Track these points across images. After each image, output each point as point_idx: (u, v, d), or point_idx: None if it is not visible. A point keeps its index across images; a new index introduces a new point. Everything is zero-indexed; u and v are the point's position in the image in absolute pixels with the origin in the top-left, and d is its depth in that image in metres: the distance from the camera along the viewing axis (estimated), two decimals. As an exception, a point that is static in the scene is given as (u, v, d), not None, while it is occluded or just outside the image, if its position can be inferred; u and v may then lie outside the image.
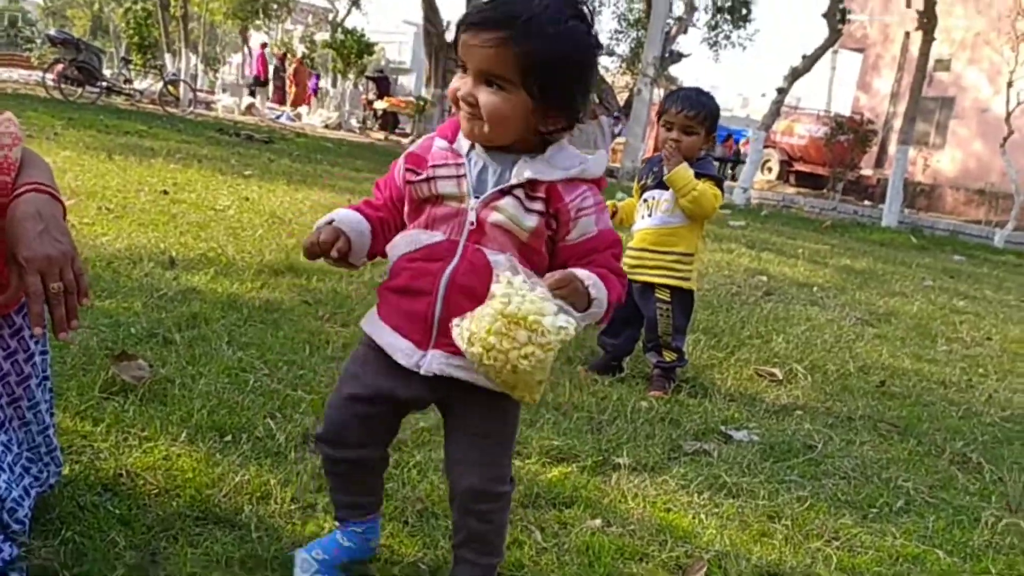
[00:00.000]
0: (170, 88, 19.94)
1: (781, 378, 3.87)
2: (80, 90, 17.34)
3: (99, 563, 1.71)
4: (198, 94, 22.17)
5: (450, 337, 1.49)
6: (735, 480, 2.58)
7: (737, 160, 29.01)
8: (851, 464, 2.89)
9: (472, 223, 1.55)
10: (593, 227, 1.56)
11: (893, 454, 3.07)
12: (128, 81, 20.57)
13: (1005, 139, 14.83)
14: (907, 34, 24.93)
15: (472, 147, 1.58)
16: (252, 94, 25.76)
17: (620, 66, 27.92)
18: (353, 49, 21.96)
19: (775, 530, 2.31)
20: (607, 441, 2.75)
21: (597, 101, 24.80)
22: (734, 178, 26.16)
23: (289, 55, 27.10)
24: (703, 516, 2.33)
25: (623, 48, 26.81)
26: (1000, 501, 2.76)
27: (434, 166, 1.58)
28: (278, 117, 23.42)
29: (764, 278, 6.75)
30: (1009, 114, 14.78)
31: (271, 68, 27.12)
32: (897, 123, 23.66)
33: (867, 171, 24.77)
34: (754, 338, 4.53)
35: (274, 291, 3.98)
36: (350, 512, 1.78)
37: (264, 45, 28.19)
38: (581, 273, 1.50)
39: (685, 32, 23.56)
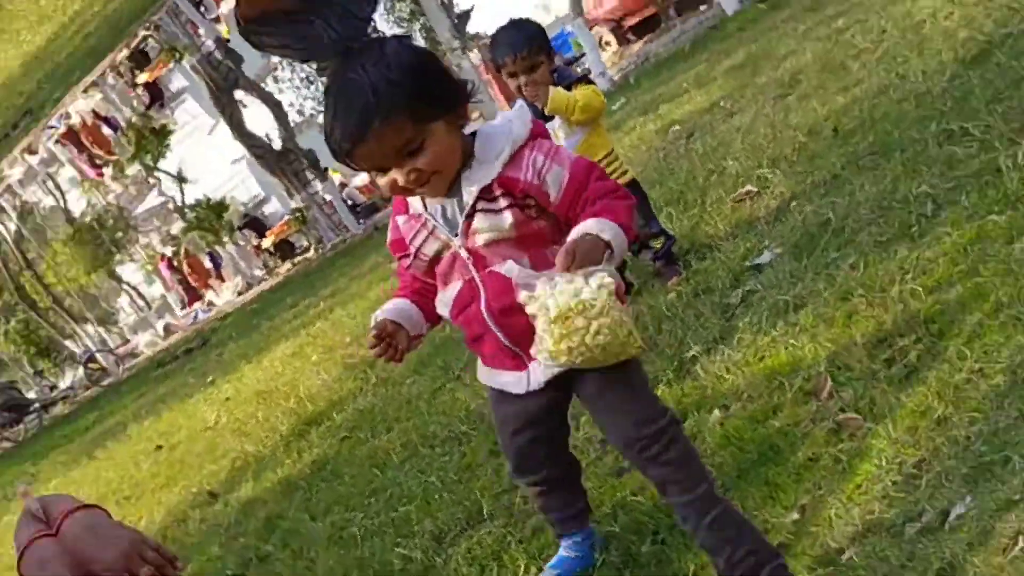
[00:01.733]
0: (91, 366, 19.68)
1: (756, 190, 3.89)
2: (20, 427, 17.07)
3: None
4: (119, 351, 21.90)
5: (531, 350, 1.59)
6: (792, 294, 2.59)
7: (576, 59, 29.17)
8: (866, 211, 2.90)
9: (468, 257, 1.61)
10: (563, 173, 1.58)
11: (891, 175, 3.08)
12: (54, 388, 20.29)
13: None
14: None
15: (424, 201, 1.63)
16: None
17: (427, 59, 27.96)
18: (211, 217, 21.81)
19: (856, 306, 2.33)
20: (669, 346, 2.75)
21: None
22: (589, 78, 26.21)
23: (174, 256, 26.60)
24: (792, 341, 2.34)
25: (419, 40, 26.85)
26: (1003, 142, 2.77)
27: (411, 239, 1.66)
28: (195, 318, 23.19)
29: (676, 127, 6.78)
30: None
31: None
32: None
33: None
34: (709, 176, 4.54)
35: (312, 450, 3.95)
36: (565, 526, 1.93)
37: (163, 257, 27.57)
38: (580, 228, 1.53)
39: (456, -9, 23.57)
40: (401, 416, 3.64)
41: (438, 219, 1.61)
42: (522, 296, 1.50)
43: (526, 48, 3.26)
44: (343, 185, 24.10)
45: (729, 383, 2.32)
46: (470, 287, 1.63)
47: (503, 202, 1.57)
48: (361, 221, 20.35)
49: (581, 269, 1.45)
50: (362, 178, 26.71)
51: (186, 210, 23.92)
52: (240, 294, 22.15)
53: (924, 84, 3.96)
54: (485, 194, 1.57)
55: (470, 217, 1.58)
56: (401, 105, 1.47)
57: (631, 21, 24.79)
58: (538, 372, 1.66)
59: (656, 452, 1.64)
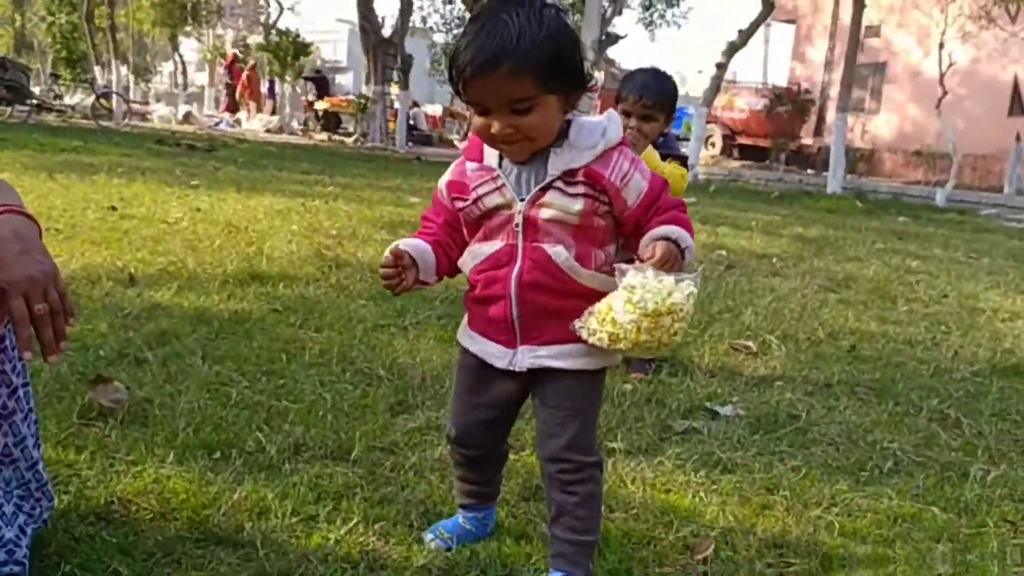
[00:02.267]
0: (102, 102, 19.48)
1: (756, 350, 3.91)
2: (9, 109, 16.87)
3: (104, 596, 1.66)
4: (132, 106, 21.68)
5: (534, 332, 1.67)
6: (728, 456, 2.60)
7: (678, 139, 29.32)
8: (836, 430, 2.92)
9: (518, 224, 1.64)
10: (643, 183, 1.65)
11: (874, 416, 3.12)
12: (58, 97, 20.07)
13: (940, 100, 15.14)
14: (836, 2, 25.35)
15: (501, 158, 1.66)
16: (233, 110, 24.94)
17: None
18: (289, 50, 21.65)
19: (775, 502, 2.33)
20: (598, 428, 2.73)
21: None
22: (679, 156, 26.34)
23: (238, 61, 26.46)
24: (703, 494, 2.34)
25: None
26: (984, 455, 2.82)
27: (476, 187, 1.68)
28: (217, 124, 23.02)
29: (723, 252, 6.82)
30: (942, 75, 15.09)
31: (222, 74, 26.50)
32: (832, 91, 24.07)
33: (807, 140, 25.15)
34: (724, 312, 4.57)
35: (241, 301, 3.91)
36: (473, 500, 1.97)
37: (233, 56, 27.30)
38: (662, 231, 1.60)
39: (620, 13, 23.63)
40: (336, 327, 3.62)
41: (510, 178, 1.65)
42: (619, 280, 1.56)
43: (653, 98, 3.25)
44: (415, 104, 24.09)
45: (627, 493, 2.31)
46: (510, 251, 1.66)
47: (581, 188, 1.62)
48: (410, 144, 20.33)
49: (675, 271, 1.54)
50: (436, 108, 26.73)
51: (273, 31, 23.81)
52: (268, 131, 22.05)
53: (949, 361, 3.99)
54: (568, 175, 1.61)
55: (545, 189, 1.62)
56: (535, 63, 1.51)
57: (744, 140, 25.08)
58: (524, 356, 1.71)
59: (571, 480, 1.72)
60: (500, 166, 1.67)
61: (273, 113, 24.15)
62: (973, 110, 21.77)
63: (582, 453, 1.72)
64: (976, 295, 5.98)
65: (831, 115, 23.83)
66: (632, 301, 1.52)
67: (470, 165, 1.71)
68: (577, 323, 1.64)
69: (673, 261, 1.56)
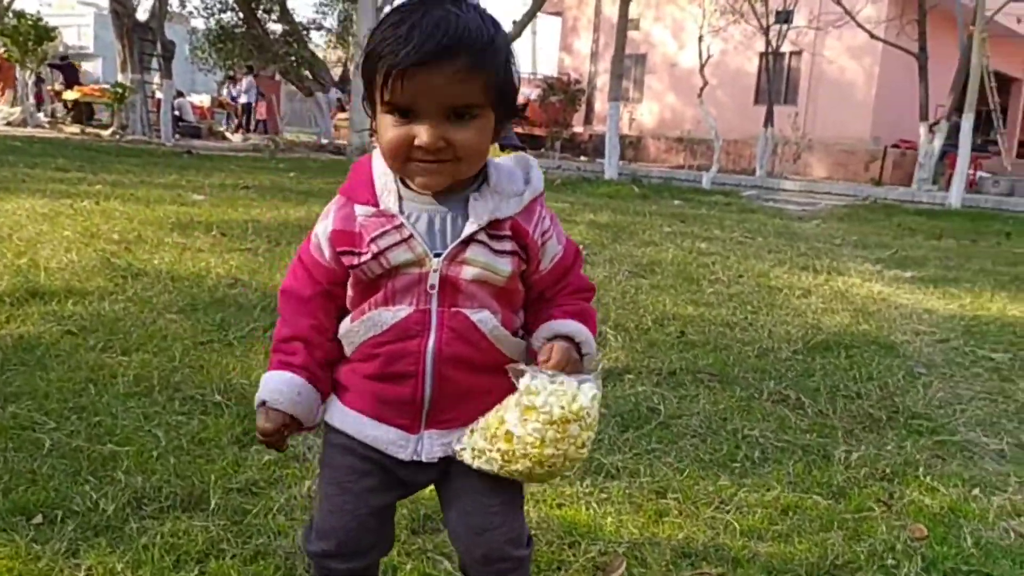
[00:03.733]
0: None
1: (593, 343, 3.87)
2: None
3: None
4: None
5: (445, 415, 1.36)
6: (609, 460, 2.51)
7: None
8: (696, 421, 2.92)
9: (433, 286, 1.32)
10: (558, 246, 1.40)
11: (725, 404, 3.15)
12: None
13: (701, 89, 16.12)
14: (599, -4, 26.44)
15: (401, 201, 1.34)
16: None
17: (329, 40, 27.22)
18: (30, 35, 19.51)
19: (668, 506, 2.26)
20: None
21: (311, 78, 24.06)
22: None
23: (15, 57, 23.21)
24: (595, 505, 2.23)
25: (330, 22, 26.12)
26: (835, 435, 2.91)
27: (375, 238, 1.31)
28: (-56, 118, 20.43)
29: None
30: (703, 66, 16.07)
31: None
32: (599, 81, 25.14)
33: (578, 128, 26.08)
34: (552, 305, 4.51)
35: (24, 324, 3.37)
36: None
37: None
38: (564, 329, 1.36)
39: (392, 3, 23.37)
40: (147, 347, 3.19)
41: (419, 228, 1.32)
42: (539, 343, 1.33)
43: None
44: (180, 94, 22.58)
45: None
46: (421, 318, 1.33)
47: (508, 245, 1.34)
48: (177, 136, 19.01)
49: (573, 374, 1.30)
50: (203, 98, 25.24)
51: (10, 13, 21.38)
52: (9, 124, 19.84)
53: (768, 341, 4.16)
54: (494, 227, 1.32)
55: (466, 244, 1.32)
56: (490, 65, 1.24)
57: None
58: (432, 444, 1.38)
59: None
60: (402, 211, 1.32)
61: (14, 104, 21.74)
62: (724, 99, 23.43)
63: (522, 547, 1.45)
64: (767, 273, 6.33)
65: (599, 104, 24.87)
66: (535, 406, 1.26)
67: (361, 210, 1.33)
68: (456, 445, 1.36)
69: (572, 367, 1.32)
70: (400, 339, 1.33)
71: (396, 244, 1.31)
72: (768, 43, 18.36)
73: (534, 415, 1.26)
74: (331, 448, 1.44)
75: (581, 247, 1.48)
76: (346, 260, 1.34)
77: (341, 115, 24.07)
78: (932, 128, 17.70)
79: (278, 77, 26.54)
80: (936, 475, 2.61)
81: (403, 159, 1.28)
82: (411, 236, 1.31)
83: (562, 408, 1.26)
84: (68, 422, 2.46)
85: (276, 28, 23.86)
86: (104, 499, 2.00)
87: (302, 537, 1.49)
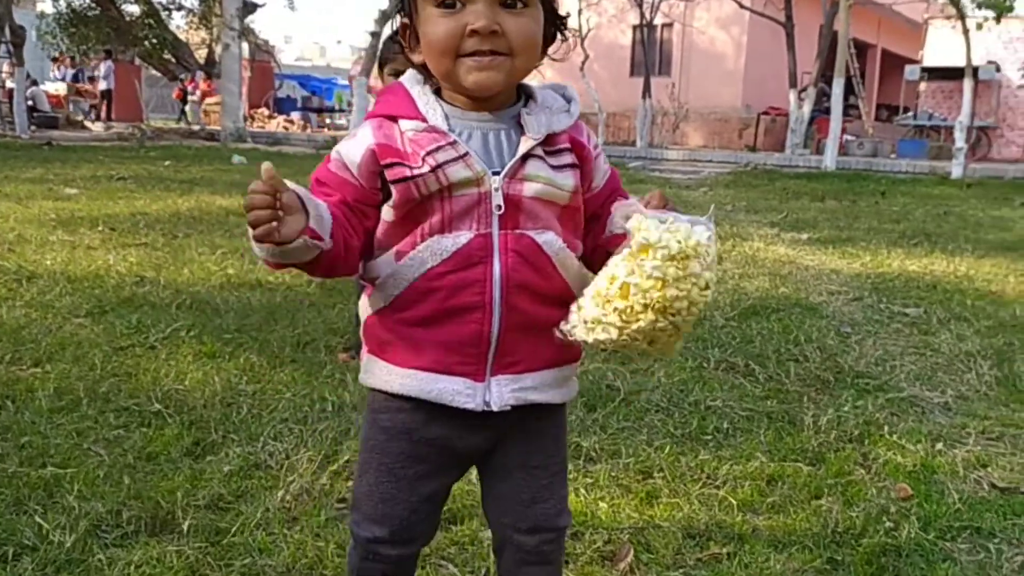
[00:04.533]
0: None
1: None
2: None
3: None
4: None
5: (513, 356, 1.23)
6: (587, 443, 2.42)
7: (332, 109, 28.82)
8: (658, 396, 2.88)
9: (499, 206, 1.18)
10: (605, 165, 1.31)
11: (680, 376, 3.12)
12: None
13: (583, 63, 16.23)
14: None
15: (447, 119, 1.20)
16: None
17: (191, 21, 26.01)
18: None
19: (658, 487, 2.20)
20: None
21: (174, 61, 23.00)
22: (333, 127, 26.01)
23: None
24: (584, 491, 2.15)
25: (192, 1, 24.93)
26: (789, 399, 2.93)
27: (430, 152, 1.17)
28: None
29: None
30: (583, 40, 16.15)
31: None
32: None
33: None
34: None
35: (-88, 339, 3.02)
36: None
37: None
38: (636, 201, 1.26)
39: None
40: (61, 356, 2.91)
41: (473, 145, 1.20)
42: (620, 223, 1.19)
43: None
44: (34, 82, 21.14)
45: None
46: (484, 243, 1.19)
47: (567, 158, 1.24)
48: (32, 127, 17.79)
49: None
50: (59, 86, 23.69)
51: None
52: None
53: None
54: (551, 141, 1.22)
55: (524, 160, 1.20)
56: None
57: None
58: (503, 390, 1.23)
59: (551, 550, 1.35)
60: (451, 129, 1.20)
61: None
62: (601, 72, 23.68)
63: (566, 514, 1.37)
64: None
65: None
66: (651, 243, 1.09)
67: (408, 124, 1.20)
68: (564, 326, 1.16)
69: (670, 209, 1.19)
70: (463, 267, 1.19)
71: (453, 160, 1.18)
72: (642, 15, 18.62)
73: (650, 253, 1.10)
74: (379, 430, 1.30)
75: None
76: (393, 173, 1.18)
77: (210, 100, 23.10)
78: (801, 95, 18.37)
79: (138, 61, 25.24)
80: (899, 433, 2.64)
81: (454, 54, 1.17)
82: (467, 154, 1.18)
83: (679, 243, 1.09)
84: (-10, 447, 2.20)
85: (134, 10, 22.64)
86: (59, 529, 1.78)
87: (351, 521, 1.34)
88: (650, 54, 21.71)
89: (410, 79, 1.25)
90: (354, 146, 1.21)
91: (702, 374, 3.16)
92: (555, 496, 1.35)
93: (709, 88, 22.59)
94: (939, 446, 2.56)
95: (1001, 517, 2.12)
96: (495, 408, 1.23)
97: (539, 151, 1.21)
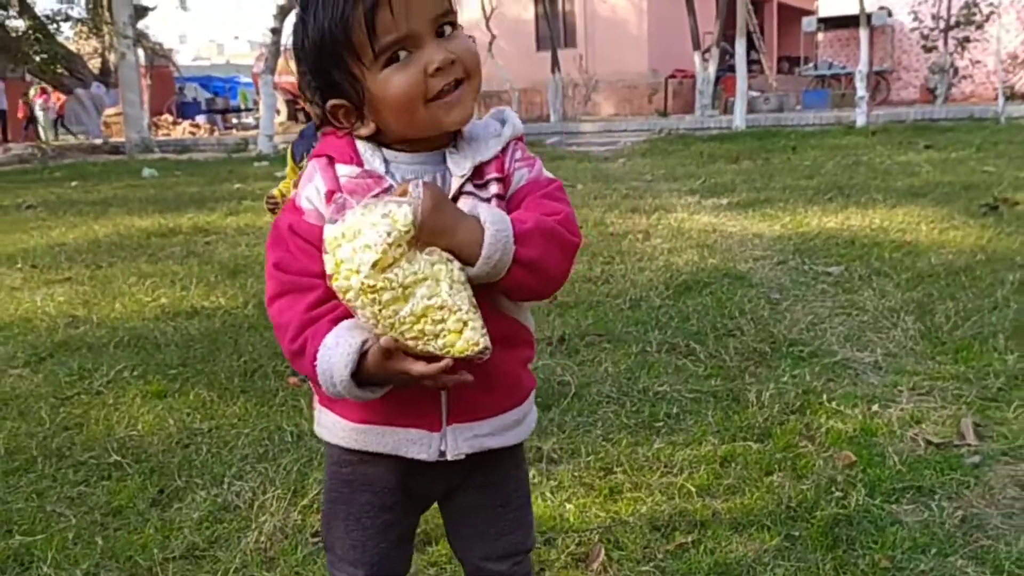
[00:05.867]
0: None
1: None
2: None
3: None
4: None
5: (463, 404, 1.23)
6: (544, 445, 2.50)
7: (237, 109, 28.21)
8: (608, 387, 2.96)
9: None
10: (525, 178, 1.25)
11: (624, 363, 3.21)
12: None
13: (490, 43, 16.21)
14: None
15: (387, 164, 1.21)
16: None
17: (80, 32, 25.13)
18: None
19: (620, 482, 2.28)
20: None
21: (67, 74, 22.23)
22: (242, 127, 25.43)
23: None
24: (550, 494, 2.22)
25: (78, 11, 24.07)
26: (731, 375, 3.05)
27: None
28: None
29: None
30: (488, 19, 16.12)
31: None
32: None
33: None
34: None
35: None
36: None
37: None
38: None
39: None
40: (7, 412, 2.86)
41: None
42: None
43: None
44: None
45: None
46: None
47: (494, 189, 1.22)
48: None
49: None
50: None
51: None
52: None
53: (636, 291, 4.28)
54: (478, 176, 1.22)
55: (455, 199, 1.19)
56: None
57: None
58: (463, 436, 1.25)
59: (523, 567, 1.40)
60: (388, 173, 1.21)
61: None
62: (508, 49, 23.70)
63: (531, 538, 1.43)
64: (603, 221, 6.50)
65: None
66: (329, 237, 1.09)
67: (344, 170, 1.20)
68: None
69: (435, 217, 1.09)
70: None
71: None
72: (542, -11, 18.64)
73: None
74: (341, 483, 1.32)
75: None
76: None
77: (110, 111, 22.40)
78: (705, 55, 18.70)
79: (29, 78, 24.31)
80: (836, 398, 2.79)
81: (422, 101, 1.16)
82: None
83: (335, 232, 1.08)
84: (-51, 521, 2.16)
85: (18, 24, 21.77)
86: (39, 604, 1.78)
87: (328, 561, 1.37)
88: (554, 26, 21.81)
89: None
90: (313, 193, 1.21)
91: (647, 359, 3.27)
92: (521, 526, 1.39)
93: (616, 56, 22.83)
94: (875, 407, 2.71)
95: (939, 473, 2.26)
96: (449, 457, 1.26)
97: (469, 187, 1.22)
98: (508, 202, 1.24)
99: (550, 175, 1.29)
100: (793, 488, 2.21)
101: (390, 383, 1.15)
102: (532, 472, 2.34)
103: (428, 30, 1.15)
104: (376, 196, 1.14)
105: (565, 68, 20.39)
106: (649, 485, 2.26)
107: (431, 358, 1.10)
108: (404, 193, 1.10)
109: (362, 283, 1.06)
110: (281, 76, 24.10)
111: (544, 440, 2.53)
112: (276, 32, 16.31)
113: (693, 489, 2.22)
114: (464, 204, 1.19)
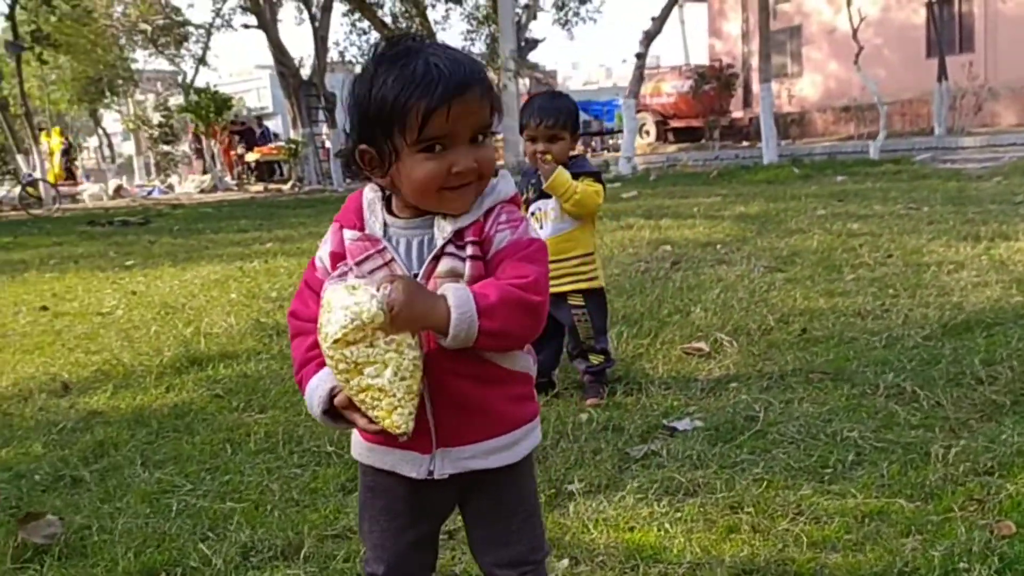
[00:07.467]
0: (29, 190, 19.11)
1: (708, 350, 3.87)
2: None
3: None
4: (60, 188, 21.25)
5: (449, 431, 1.44)
6: (689, 477, 2.54)
7: (612, 131, 29.48)
8: (795, 427, 2.88)
9: None
10: (506, 239, 1.43)
11: (831, 404, 3.09)
12: (-18, 193, 19.61)
13: (857, 55, 15.35)
14: (743, -26, 25.68)
15: (386, 228, 1.47)
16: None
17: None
18: (210, 107, 21.38)
19: (740, 521, 2.27)
20: (555, 470, 2.67)
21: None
22: (612, 149, 26.51)
23: (200, 129, 24.93)
24: (668, 525, 2.28)
25: (479, 47, 26.79)
26: (944, 428, 2.79)
27: (359, 262, 1.44)
28: (150, 193, 22.70)
29: (668, 247, 6.80)
30: (855, 30, 15.30)
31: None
32: (754, 61, 24.36)
33: (738, 113, 25.41)
34: (673, 315, 4.53)
35: (180, 392, 3.78)
36: None
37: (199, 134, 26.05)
38: (449, 285, 1.39)
39: (535, 18, 23.72)
40: (280, 404, 3.51)
41: (399, 251, 1.44)
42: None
43: (553, 118, 3.30)
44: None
45: (591, 538, 2.24)
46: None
47: (470, 249, 1.42)
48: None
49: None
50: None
51: (192, 90, 23.51)
52: (202, 191, 21.77)
53: (901, 328, 3.99)
54: (457, 236, 1.43)
55: (437, 259, 1.42)
56: (491, 88, 1.41)
57: (676, 123, 25.29)
58: (449, 459, 1.46)
59: None
60: (386, 235, 1.45)
61: (204, 172, 23.84)
62: (891, 58, 22.15)
63: (540, 551, 1.58)
64: (920, 250, 6.00)
65: (756, 86, 24.12)
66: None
67: (348, 234, 1.47)
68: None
69: (407, 302, 1.30)
70: None
71: (379, 268, 1.43)
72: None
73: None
74: (365, 488, 1.59)
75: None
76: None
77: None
78: None
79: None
80: (1049, 465, 2.46)
81: (437, 188, 1.40)
82: (392, 260, 1.43)
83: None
84: (201, 483, 2.77)
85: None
86: (215, 554, 2.26)
87: (363, 558, 1.66)
88: (948, 30, 19.98)
89: (369, 188, 1.51)
90: (324, 253, 1.51)
91: (860, 402, 3.09)
92: (527, 537, 1.56)
93: (1020, 60, 20.27)
94: (1091, 481, 2.35)
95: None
96: (436, 476, 1.47)
97: (450, 248, 1.43)
98: (489, 262, 1.44)
99: (534, 234, 1.48)
100: (919, 552, 2.04)
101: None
102: (663, 503, 2.40)
103: (465, 137, 1.39)
104: (372, 272, 1.44)
105: (953, 76, 18.56)
106: (768, 531, 2.22)
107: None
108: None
109: (325, 349, 1.35)
110: (652, 98, 24.95)
111: (690, 471, 2.57)
112: (640, 57, 16.91)
113: (809, 540, 2.15)
114: (445, 263, 1.43)
